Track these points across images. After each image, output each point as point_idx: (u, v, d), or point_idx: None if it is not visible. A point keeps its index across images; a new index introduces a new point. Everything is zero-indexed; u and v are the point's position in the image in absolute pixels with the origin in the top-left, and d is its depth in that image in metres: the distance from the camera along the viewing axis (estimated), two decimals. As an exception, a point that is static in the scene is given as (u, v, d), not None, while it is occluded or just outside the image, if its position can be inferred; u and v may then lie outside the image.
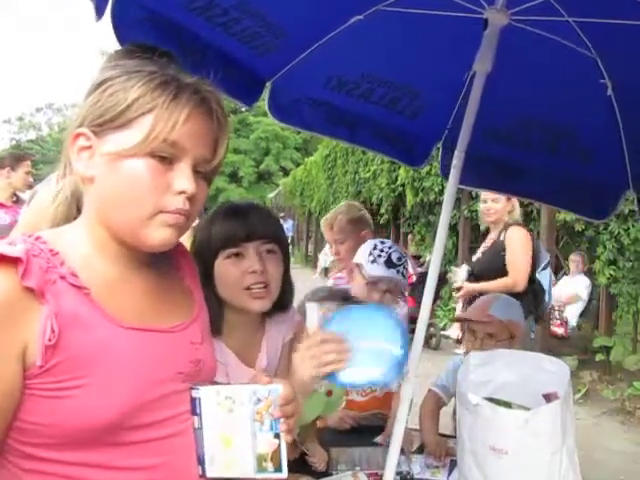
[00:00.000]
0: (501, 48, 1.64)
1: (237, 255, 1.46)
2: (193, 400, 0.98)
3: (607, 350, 6.31)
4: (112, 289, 0.93)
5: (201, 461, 0.98)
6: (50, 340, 0.82)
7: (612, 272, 6.16)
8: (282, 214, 20.27)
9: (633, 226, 5.85)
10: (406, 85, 2.03)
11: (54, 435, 0.86)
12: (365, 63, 1.97)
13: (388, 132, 2.25)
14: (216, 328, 1.43)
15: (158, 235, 0.92)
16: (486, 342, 2.24)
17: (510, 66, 1.67)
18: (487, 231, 4.21)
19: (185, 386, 0.99)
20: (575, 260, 6.70)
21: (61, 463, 0.87)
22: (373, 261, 2.36)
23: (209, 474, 0.98)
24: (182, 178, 0.92)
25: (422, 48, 1.85)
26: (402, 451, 1.83)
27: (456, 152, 1.64)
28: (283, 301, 1.58)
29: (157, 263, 1.02)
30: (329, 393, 2.05)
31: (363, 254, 2.41)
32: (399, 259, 2.37)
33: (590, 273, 6.69)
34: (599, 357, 6.25)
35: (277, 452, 0.97)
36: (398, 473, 1.80)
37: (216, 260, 1.47)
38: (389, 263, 2.35)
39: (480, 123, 1.70)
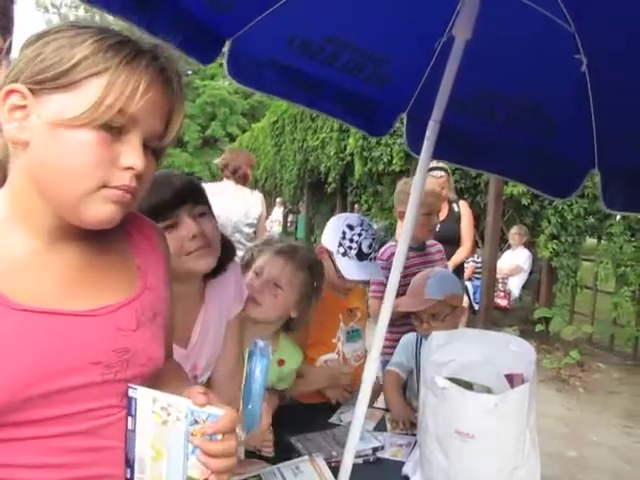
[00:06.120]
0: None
1: (172, 226, 1.37)
2: (130, 400, 0.88)
3: (546, 321, 6.55)
4: (24, 264, 0.82)
5: (130, 464, 0.89)
6: None
7: (555, 246, 6.35)
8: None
9: (576, 202, 6.02)
10: (373, 51, 1.92)
11: None
12: (331, 25, 1.85)
13: (350, 99, 2.15)
14: None
15: (99, 211, 0.82)
16: (432, 323, 2.23)
17: (480, 35, 1.59)
18: None
19: (111, 378, 0.86)
20: (516, 233, 6.87)
21: None
22: (344, 254, 2.16)
23: None
24: (131, 153, 0.82)
25: (392, 12, 1.74)
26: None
27: (430, 123, 1.55)
28: (221, 261, 1.49)
29: (100, 237, 0.90)
30: (280, 362, 1.94)
31: (331, 241, 2.20)
32: (370, 246, 2.18)
33: (532, 246, 6.88)
34: (539, 328, 6.46)
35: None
36: (363, 456, 1.75)
37: None
38: (361, 255, 2.15)
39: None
